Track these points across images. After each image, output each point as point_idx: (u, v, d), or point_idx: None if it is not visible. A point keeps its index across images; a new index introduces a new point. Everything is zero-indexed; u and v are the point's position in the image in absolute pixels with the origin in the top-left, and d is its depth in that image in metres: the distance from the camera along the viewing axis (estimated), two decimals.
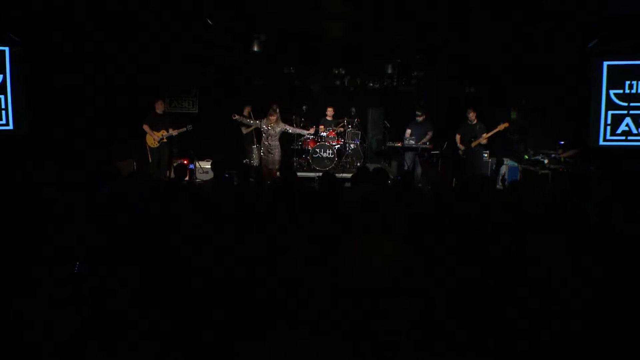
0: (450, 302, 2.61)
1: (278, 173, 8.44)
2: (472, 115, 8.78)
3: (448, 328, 2.49)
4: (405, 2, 6.69)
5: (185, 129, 8.73)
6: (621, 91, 7.69)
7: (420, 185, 8.98)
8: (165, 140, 8.66)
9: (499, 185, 9.22)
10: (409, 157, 9.54)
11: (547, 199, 5.25)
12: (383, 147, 10.68)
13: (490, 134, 8.60)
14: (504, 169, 9.47)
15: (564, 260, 2.84)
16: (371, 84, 10.50)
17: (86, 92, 8.34)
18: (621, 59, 7.70)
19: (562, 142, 8.54)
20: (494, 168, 9.45)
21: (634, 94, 7.65)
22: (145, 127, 8.53)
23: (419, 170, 9.55)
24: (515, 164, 9.38)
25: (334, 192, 4.81)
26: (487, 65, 9.23)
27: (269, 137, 8.51)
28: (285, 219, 3.57)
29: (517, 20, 6.96)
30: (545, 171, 8.31)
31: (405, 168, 9.46)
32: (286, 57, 9.52)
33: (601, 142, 7.84)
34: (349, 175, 7.72)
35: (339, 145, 10.19)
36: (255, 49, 8.07)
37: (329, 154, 9.87)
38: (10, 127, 7.58)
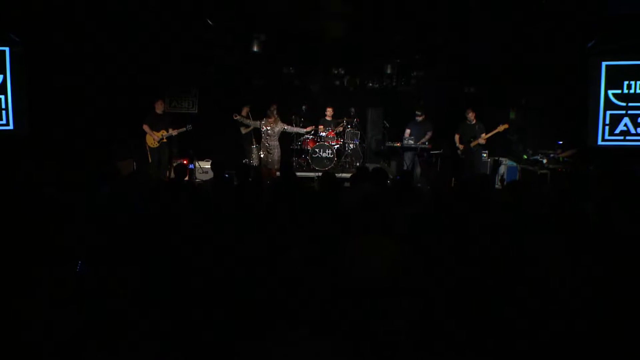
0: (449, 302, 2.62)
1: (277, 173, 8.47)
2: (471, 115, 8.79)
3: (447, 328, 2.49)
4: (405, 2, 6.69)
5: (185, 129, 8.74)
6: (620, 91, 7.71)
7: (419, 185, 8.99)
8: (165, 140, 8.67)
9: (498, 185, 9.24)
10: (408, 157, 9.55)
11: (546, 199, 5.25)
12: (382, 147, 10.70)
13: (489, 135, 8.62)
14: (502, 169, 9.48)
15: (563, 260, 2.84)
16: (370, 84, 10.52)
17: (86, 92, 8.34)
18: (620, 59, 7.72)
19: (561, 142, 8.55)
20: (492, 168, 9.46)
21: (632, 94, 7.68)
22: (145, 127, 8.54)
23: (418, 170, 9.56)
24: (514, 164, 9.39)
25: (333, 192, 4.82)
26: (486, 65, 9.23)
27: (268, 137, 8.53)
28: (285, 219, 3.57)
29: (516, 20, 6.97)
30: (544, 171, 8.32)
31: (405, 168, 9.47)
32: (286, 57, 9.52)
33: (600, 142, 7.87)
34: (349, 175, 7.73)
35: (338, 145, 10.20)
36: (255, 49, 8.07)
37: (328, 154, 9.87)
38: (11, 127, 7.60)
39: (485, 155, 9.34)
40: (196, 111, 10.65)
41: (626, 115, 7.73)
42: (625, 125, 7.75)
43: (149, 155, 8.67)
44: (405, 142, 9.49)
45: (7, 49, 7.46)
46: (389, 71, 9.62)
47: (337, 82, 10.48)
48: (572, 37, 7.48)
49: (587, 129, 7.97)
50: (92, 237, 3.29)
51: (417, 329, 2.46)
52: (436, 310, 2.57)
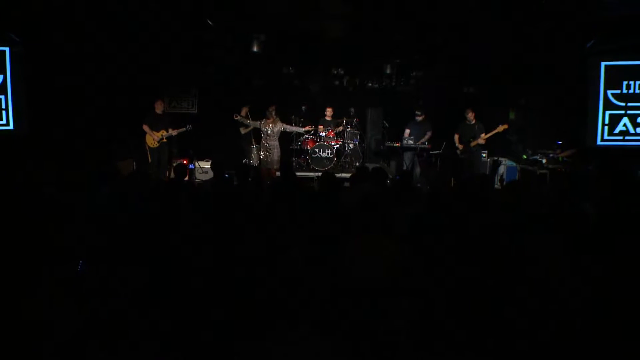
0: (449, 302, 2.62)
1: (277, 173, 8.47)
2: (470, 115, 8.79)
3: (447, 328, 2.49)
4: (404, 2, 6.69)
5: (184, 128, 8.74)
6: (619, 91, 7.73)
7: (419, 185, 9.00)
8: (165, 140, 8.67)
9: (497, 185, 9.25)
10: (407, 157, 9.56)
11: (546, 199, 5.26)
12: (382, 147, 10.70)
13: (488, 135, 8.62)
14: (502, 169, 9.49)
15: (563, 260, 2.84)
16: (370, 84, 10.52)
17: (86, 92, 8.35)
18: (619, 59, 7.73)
19: (560, 142, 8.56)
20: (492, 168, 9.47)
21: (631, 94, 7.69)
22: (145, 127, 8.54)
23: (417, 170, 9.57)
24: (514, 164, 9.40)
25: (333, 192, 4.83)
26: (486, 65, 9.24)
27: (268, 138, 8.55)
28: (285, 219, 3.58)
29: (516, 20, 6.97)
30: (544, 171, 8.33)
31: (404, 168, 9.47)
32: (285, 57, 9.53)
33: (599, 142, 7.89)
34: (348, 175, 7.73)
35: (338, 145, 10.20)
36: (255, 49, 8.07)
37: (328, 153, 9.88)
38: (11, 127, 7.60)
39: (484, 155, 9.35)
40: (196, 111, 10.65)
41: (625, 115, 7.74)
42: (625, 125, 7.76)
43: (149, 155, 8.67)
44: (405, 142, 9.50)
45: (7, 49, 7.46)
46: (388, 71, 9.62)
47: (337, 82, 10.48)
48: (572, 37, 7.49)
49: (586, 129, 7.98)
50: (92, 237, 3.29)
51: (417, 329, 2.46)
52: (436, 310, 2.57)
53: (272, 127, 8.52)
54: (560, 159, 8.36)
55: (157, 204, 4.08)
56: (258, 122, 8.79)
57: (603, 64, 7.76)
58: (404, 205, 4.22)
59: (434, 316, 2.55)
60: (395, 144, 9.70)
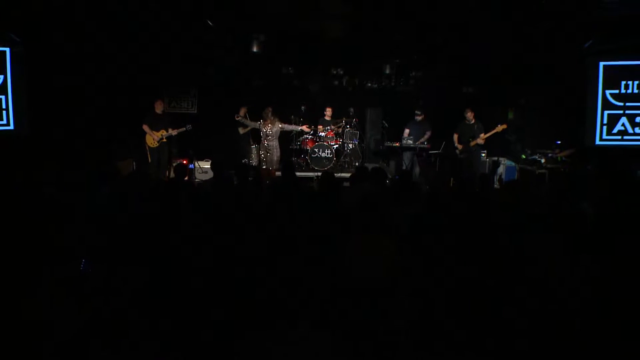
0: (448, 301, 2.63)
1: (277, 173, 8.48)
2: (470, 115, 8.80)
3: (447, 328, 2.50)
4: (404, 2, 6.69)
5: (184, 128, 8.75)
6: (617, 91, 7.75)
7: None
8: (164, 140, 8.67)
9: (496, 185, 9.26)
10: (407, 156, 9.56)
11: (545, 198, 5.27)
12: (381, 147, 10.71)
13: (487, 135, 8.63)
14: (501, 169, 9.50)
15: (562, 260, 2.85)
16: (369, 84, 10.53)
17: (86, 92, 8.34)
18: (617, 59, 7.74)
19: (559, 142, 8.58)
20: (491, 168, 9.48)
21: (629, 93, 7.71)
22: (145, 127, 8.54)
23: (417, 169, 9.58)
24: (513, 164, 9.41)
25: (333, 191, 4.83)
26: (485, 65, 9.25)
27: (267, 138, 8.57)
28: (284, 219, 3.58)
29: (515, 20, 6.98)
30: (543, 170, 8.35)
31: (404, 168, 9.48)
32: (285, 57, 9.53)
33: (597, 142, 7.90)
34: (347, 175, 7.74)
35: (337, 145, 10.21)
36: (255, 49, 8.08)
37: (327, 153, 9.89)
38: (11, 127, 7.59)
39: (483, 155, 9.36)
40: (195, 111, 10.65)
41: (624, 115, 7.77)
42: (623, 125, 7.78)
43: (149, 155, 8.67)
44: (404, 142, 9.51)
45: (7, 50, 7.46)
46: (387, 71, 9.63)
47: (336, 82, 10.49)
48: (571, 37, 7.50)
49: (584, 128, 8.00)
50: (92, 237, 3.30)
51: (417, 329, 2.47)
52: (436, 310, 2.58)
53: (271, 128, 8.55)
54: (559, 158, 8.37)
55: (157, 204, 4.08)
56: (257, 123, 8.80)
57: (602, 64, 7.78)
58: (403, 205, 4.23)
59: (433, 316, 2.55)
60: (394, 144, 9.71)
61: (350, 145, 10.39)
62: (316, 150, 9.90)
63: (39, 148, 7.54)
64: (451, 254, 2.94)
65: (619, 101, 7.76)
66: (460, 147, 8.93)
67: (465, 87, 10.38)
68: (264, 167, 8.64)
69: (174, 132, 8.71)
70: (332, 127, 10.27)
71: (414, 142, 9.44)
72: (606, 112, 7.82)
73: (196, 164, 9.39)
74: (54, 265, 2.86)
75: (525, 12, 6.68)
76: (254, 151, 9.84)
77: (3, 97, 7.53)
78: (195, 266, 2.91)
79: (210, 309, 2.57)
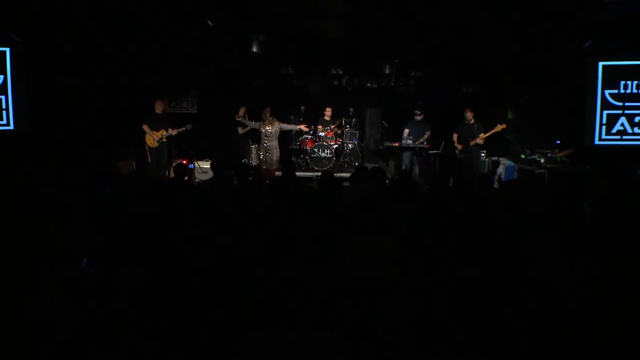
0: (448, 301, 2.63)
1: (277, 173, 8.49)
2: (469, 115, 8.81)
3: (446, 328, 2.51)
4: (404, 2, 6.70)
5: (184, 128, 8.75)
6: (616, 91, 7.76)
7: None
8: (164, 140, 8.67)
9: (496, 185, 9.26)
10: (406, 156, 9.57)
11: (544, 198, 5.27)
12: (381, 146, 10.72)
13: (487, 135, 8.64)
14: (500, 169, 9.51)
15: (561, 260, 2.86)
16: (369, 84, 10.54)
17: (86, 92, 8.34)
18: (616, 59, 7.75)
19: (559, 142, 8.59)
20: (490, 168, 9.49)
21: (628, 93, 7.73)
22: (145, 127, 8.54)
23: (416, 169, 9.58)
24: (512, 164, 9.42)
25: (333, 191, 4.84)
26: (485, 65, 9.25)
27: (267, 139, 8.61)
28: (284, 218, 3.59)
29: (515, 20, 6.98)
30: (542, 170, 8.36)
31: (403, 168, 9.49)
32: (285, 57, 9.54)
33: (596, 142, 7.92)
34: (347, 174, 7.74)
35: (337, 145, 10.22)
36: (254, 49, 8.09)
37: (327, 153, 9.90)
38: (11, 127, 7.60)
39: (483, 155, 9.36)
40: (195, 111, 10.66)
41: (623, 114, 7.78)
42: (622, 124, 7.80)
43: (148, 155, 8.67)
44: (404, 141, 9.51)
45: (7, 50, 7.46)
46: (387, 71, 9.64)
47: (336, 82, 10.50)
48: (570, 37, 7.51)
49: (584, 128, 8.00)
50: (92, 237, 3.30)
51: (417, 329, 2.47)
52: (435, 309, 2.58)
53: (270, 128, 8.58)
54: (558, 158, 8.38)
55: (157, 204, 4.08)
56: (257, 124, 8.83)
57: (601, 64, 7.80)
58: (403, 205, 4.23)
59: (433, 316, 2.56)
60: (394, 144, 9.72)
61: (350, 145, 10.40)
62: (316, 150, 9.91)
63: (39, 148, 7.54)
64: (451, 254, 2.95)
65: (618, 101, 7.77)
66: (460, 147, 8.94)
67: (464, 87, 10.39)
68: (264, 167, 8.66)
69: (173, 132, 8.72)
70: (332, 127, 10.27)
71: (414, 142, 9.45)
72: (605, 112, 7.83)
73: (196, 164, 9.39)
74: (54, 265, 2.86)
75: (524, 12, 6.69)
76: (254, 151, 9.85)
77: (3, 97, 7.53)
78: (195, 266, 2.92)
79: (210, 309, 2.57)
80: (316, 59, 9.49)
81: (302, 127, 9.44)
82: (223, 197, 4.61)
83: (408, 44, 8.48)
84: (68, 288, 2.69)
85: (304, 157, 10.19)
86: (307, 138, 10.24)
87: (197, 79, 10.29)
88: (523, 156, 9.23)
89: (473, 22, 7.25)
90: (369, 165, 8.33)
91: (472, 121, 8.79)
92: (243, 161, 9.71)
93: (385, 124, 10.81)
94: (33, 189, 4.73)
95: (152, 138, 8.56)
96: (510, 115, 10.60)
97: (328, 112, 10.34)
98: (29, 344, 2.33)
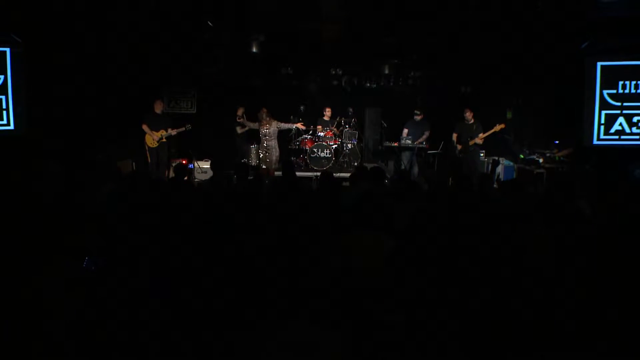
0: (448, 301, 2.65)
1: (276, 173, 8.53)
2: (468, 115, 8.83)
3: (445, 327, 2.52)
4: (404, 2, 6.73)
5: (184, 128, 8.77)
6: (615, 91, 7.79)
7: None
8: (164, 140, 8.69)
9: (495, 185, 9.28)
10: (405, 156, 9.59)
11: (543, 198, 5.30)
12: (380, 146, 10.74)
13: (486, 135, 8.67)
14: (499, 168, 9.54)
15: (560, 259, 2.88)
16: (368, 84, 10.56)
17: (86, 92, 8.36)
18: (615, 59, 7.79)
19: (557, 142, 8.61)
20: (490, 167, 9.51)
21: (627, 94, 7.76)
22: (145, 127, 8.56)
23: (415, 169, 9.60)
24: (511, 163, 9.44)
25: (333, 191, 4.86)
26: (484, 65, 9.29)
27: (266, 139, 8.64)
28: (284, 218, 3.61)
29: (514, 20, 7.01)
30: (541, 170, 8.38)
31: (402, 167, 9.51)
32: (284, 57, 9.56)
33: (595, 141, 7.94)
34: (347, 174, 7.77)
35: (336, 145, 10.24)
36: (254, 49, 8.11)
37: (326, 153, 9.92)
38: (11, 127, 7.61)
39: (482, 154, 9.39)
40: (194, 111, 10.68)
41: (621, 114, 7.81)
42: (620, 124, 7.82)
43: (148, 155, 8.69)
44: (403, 141, 9.53)
45: (7, 50, 7.48)
46: (386, 71, 9.66)
47: (335, 83, 10.53)
48: (568, 37, 7.54)
49: (582, 128, 8.03)
50: (92, 237, 3.31)
51: (416, 329, 2.49)
52: (434, 309, 2.60)
53: (268, 128, 8.62)
54: (557, 158, 8.41)
55: (157, 204, 4.10)
56: (255, 124, 8.87)
57: (599, 64, 7.82)
58: (402, 204, 4.25)
59: (432, 316, 2.58)
60: (393, 144, 9.74)
61: (349, 145, 10.42)
62: (315, 150, 9.93)
63: (39, 148, 7.55)
64: (450, 253, 2.97)
65: (617, 101, 7.80)
66: (459, 147, 8.96)
67: (463, 87, 10.41)
68: (263, 166, 8.69)
69: (173, 132, 8.74)
70: (330, 127, 10.30)
71: (413, 142, 9.47)
72: (604, 112, 7.86)
73: (195, 164, 9.41)
74: (53, 265, 2.88)
75: (523, 12, 6.72)
76: (253, 151, 9.87)
77: (3, 97, 7.54)
78: (195, 266, 2.94)
79: (210, 309, 2.59)
80: (316, 59, 9.52)
81: (299, 125, 9.47)
82: (222, 197, 4.63)
83: (406, 44, 8.51)
84: (68, 288, 2.70)
85: (304, 157, 10.21)
86: (306, 138, 10.27)
87: (197, 79, 10.30)
88: (522, 156, 9.26)
89: (472, 22, 7.28)
90: (368, 165, 8.37)
91: (472, 121, 8.81)
92: (242, 161, 9.73)
93: (385, 124, 10.83)
94: (33, 189, 4.75)
95: (152, 138, 8.58)
96: (509, 115, 10.63)
97: (327, 112, 10.36)
98: (30, 343, 2.35)
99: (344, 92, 10.72)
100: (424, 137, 9.52)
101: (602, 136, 7.90)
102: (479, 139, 8.67)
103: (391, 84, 10.41)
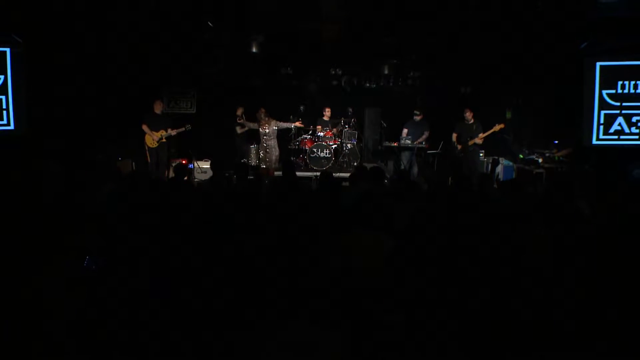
0: (447, 301, 2.65)
1: (276, 172, 8.54)
2: (468, 115, 8.84)
3: (444, 327, 2.52)
4: (404, 3, 6.73)
5: (184, 128, 8.78)
6: (614, 91, 7.80)
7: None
8: (164, 140, 8.70)
9: (494, 185, 9.28)
10: (405, 156, 9.60)
11: (542, 198, 5.30)
12: (379, 146, 10.75)
13: (485, 135, 8.67)
14: (499, 168, 9.54)
15: (559, 259, 2.89)
16: (368, 84, 10.57)
17: (86, 92, 8.37)
18: (614, 59, 7.80)
19: (557, 142, 8.62)
20: (489, 167, 9.52)
21: (626, 94, 7.77)
22: (144, 127, 8.56)
23: (415, 169, 9.61)
24: (510, 163, 9.46)
25: (333, 191, 4.87)
26: (484, 65, 9.30)
27: (265, 138, 8.66)
28: (284, 218, 3.61)
29: (514, 20, 7.02)
30: (540, 170, 8.39)
31: (402, 167, 9.52)
32: (284, 57, 9.57)
33: (594, 141, 7.96)
34: (346, 174, 7.78)
35: (336, 145, 10.25)
36: (254, 50, 8.12)
37: (326, 153, 9.93)
38: (11, 127, 7.62)
39: (481, 154, 9.40)
40: (194, 111, 10.68)
41: (620, 114, 7.82)
42: (619, 124, 7.83)
43: (148, 155, 8.69)
44: (403, 141, 9.54)
45: (7, 50, 7.49)
46: (386, 71, 9.67)
47: (335, 83, 10.54)
48: (567, 38, 7.55)
49: (582, 128, 8.04)
50: (92, 237, 3.32)
51: (416, 328, 2.49)
52: (433, 309, 2.61)
53: (266, 128, 8.63)
54: (556, 158, 8.42)
55: (157, 203, 4.11)
56: (255, 124, 8.89)
57: (598, 64, 7.84)
58: (402, 204, 4.26)
59: (431, 316, 2.58)
60: (392, 144, 9.75)
61: (349, 145, 10.43)
62: (315, 150, 9.94)
63: (39, 148, 7.56)
64: (449, 253, 2.98)
65: (616, 101, 7.81)
66: (459, 147, 8.97)
67: (463, 87, 10.42)
68: (263, 166, 8.70)
69: (173, 132, 8.74)
70: (329, 127, 10.32)
71: (412, 142, 9.48)
72: (603, 112, 7.87)
73: (195, 164, 9.42)
74: (54, 265, 2.88)
75: (523, 12, 6.73)
76: (253, 151, 9.88)
77: (3, 97, 7.55)
78: (195, 266, 2.94)
79: (209, 309, 2.59)
80: (315, 59, 9.53)
81: (297, 123, 9.47)
82: (222, 197, 4.64)
83: (406, 44, 8.52)
84: (68, 288, 2.71)
85: (303, 157, 10.22)
86: (306, 138, 10.28)
87: (197, 79, 10.31)
88: (521, 156, 9.27)
89: (472, 22, 7.29)
90: (368, 165, 8.37)
91: (472, 121, 8.82)
92: (242, 161, 9.74)
93: (384, 124, 10.84)
94: (33, 189, 4.75)
95: (152, 138, 8.58)
96: (508, 115, 10.64)
97: (327, 112, 10.37)
98: (29, 343, 2.35)
99: (343, 92, 10.73)
100: (424, 137, 9.53)
101: (601, 136, 7.91)
102: (479, 139, 8.68)
103: (391, 84, 10.42)
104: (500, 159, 9.58)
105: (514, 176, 9.08)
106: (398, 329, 2.49)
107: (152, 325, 2.48)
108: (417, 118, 9.64)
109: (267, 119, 8.66)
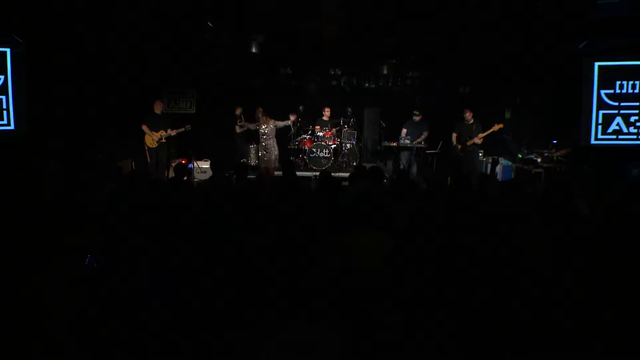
0: (446, 301, 2.66)
1: (275, 172, 8.54)
2: (468, 115, 8.84)
3: (443, 327, 2.53)
4: (403, 3, 6.74)
5: (183, 129, 8.78)
6: (612, 91, 7.81)
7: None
8: (164, 140, 8.70)
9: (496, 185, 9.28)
10: (404, 156, 9.60)
11: (541, 197, 5.31)
12: (379, 146, 10.75)
13: (484, 134, 8.68)
14: (498, 168, 9.55)
15: (558, 258, 2.89)
16: (367, 84, 10.58)
17: (86, 92, 8.37)
18: (612, 59, 7.81)
19: (555, 141, 8.63)
20: (489, 167, 9.53)
21: (624, 93, 7.78)
22: (144, 128, 8.57)
23: (414, 169, 9.62)
24: (509, 163, 9.46)
25: (332, 190, 4.88)
26: (483, 65, 9.31)
27: (264, 137, 8.67)
28: (284, 217, 3.62)
29: (513, 20, 7.03)
30: (539, 170, 8.40)
31: (401, 167, 9.53)
32: (283, 57, 9.57)
33: (592, 141, 7.97)
34: (345, 174, 7.79)
35: (335, 145, 10.26)
36: (254, 50, 8.13)
37: (325, 153, 9.94)
38: (11, 127, 7.62)
39: (481, 154, 9.41)
40: (194, 111, 10.68)
41: (618, 114, 7.83)
42: (618, 124, 7.85)
43: (147, 156, 8.69)
44: (402, 141, 9.55)
45: (8, 50, 7.49)
46: (385, 71, 9.67)
47: (334, 83, 10.54)
48: (566, 38, 7.56)
49: (580, 128, 8.06)
50: (92, 236, 3.32)
51: (415, 328, 2.50)
52: (433, 309, 2.61)
53: (265, 128, 8.64)
54: (555, 158, 8.43)
55: (157, 203, 4.11)
56: (254, 125, 8.89)
57: (597, 64, 7.85)
58: (402, 204, 4.27)
59: (430, 315, 2.59)
60: (392, 144, 9.76)
61: (348, 145, 10.43)
62: (314, 150, 9.95)
63: (39, 148, 7.56)
64: (448, 253, 2.98)
65: (614, 101, 7.82)
66: (459, 147, 8.97)
67: (462, 87, 10.43)
68: (263, 166, 8.71)
69: (173, 133, 8.75)
70: (329, 127, 10.32)
71: (411, 142, 9.49)
72: (601, 112, 7.89)
73: (195, 164, 9.42)
74: (54, 265, 2.89)
75: (523, 12, 6.74)
76: (252, 151, 9.89)
77: (3, 97, 7.55)
78: (195, 266, 2.95)
79: (209, 309, 2.60)
80: (315, 59, 9.53)
81: (292, 117, 9.45)
82: (222, 197, 4.65)
83: (405, 44, 8.52)
84: (68, 288, 2.71)
85: (303, 156, 10.23)
86: (305, 138, 10.28)
87: (197, 79, 10.31)
88: (520, 156, 9.28)
89: (472, 22, 7.30)
90: (367, 165, 8.38)
91: (472, 121, 8.82)
92: (242, 161, 9.74)
93: (383, 124, 10.84)
94: (33, 189, 4.76)
95: (152, 138, 8.59)
96: (507, 115, 10.65)
97: (326, 112, 10.37)
98: (30, 343, 2.36)
99: (343, 92, 10.73)
100: (423, 137, 9.53)
101: (599, 136, 7.93)
102: (478, 139, 8.69)
103: (390, 84, 10.43)
104: (499, 158, 9.60)
105: (512, 176, 9.09)
106: (397, 328, 2.50)
107: (152, 325, 2.49)
108: (417, 118, 9.65)
109: (265, 118, 8.68)
